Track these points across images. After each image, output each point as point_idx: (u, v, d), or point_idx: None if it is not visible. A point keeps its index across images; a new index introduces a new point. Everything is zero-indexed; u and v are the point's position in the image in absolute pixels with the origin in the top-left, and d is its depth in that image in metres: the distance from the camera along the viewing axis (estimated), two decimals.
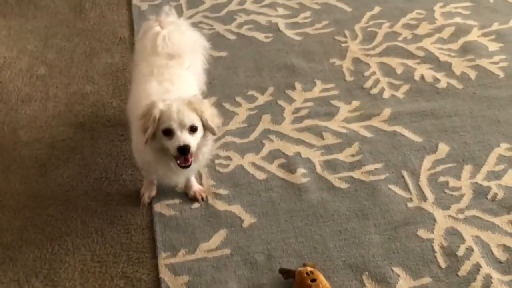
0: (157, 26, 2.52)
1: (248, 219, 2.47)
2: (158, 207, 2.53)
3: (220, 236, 2.41)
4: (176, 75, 2.36)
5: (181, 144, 2.09)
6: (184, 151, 2.10)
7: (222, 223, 2.46)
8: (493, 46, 3.25)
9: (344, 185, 2.59)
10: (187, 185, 2.54)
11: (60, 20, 3.54)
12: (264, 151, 2.76)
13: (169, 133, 2.11)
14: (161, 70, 2.35)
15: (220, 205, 2.53)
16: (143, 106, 2.17)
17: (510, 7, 3.51)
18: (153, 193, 2.55)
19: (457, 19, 3.44)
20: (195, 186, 2.55)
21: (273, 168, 2.68)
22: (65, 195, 2.60)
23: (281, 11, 3.54)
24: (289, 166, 2.68)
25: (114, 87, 3.09)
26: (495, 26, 3.38)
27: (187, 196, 2.56)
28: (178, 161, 2.16)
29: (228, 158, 2.72)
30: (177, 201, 2.55)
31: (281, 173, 2.65)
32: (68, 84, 3.13)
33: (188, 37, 2.57)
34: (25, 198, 2.60)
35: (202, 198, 2.54)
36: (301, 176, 2.63)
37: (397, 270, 2.26)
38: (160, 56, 2.42)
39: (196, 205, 2.53)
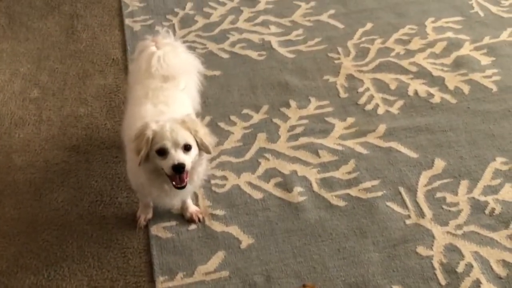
0: (152, 46, 2.51)
1: (246, 240, 2.45)
2: (154, 230, 2.50)
3: (218, 258, 2.39)
4: (171, 97, 2.35)
5: (176, 162, 2.08)
6: (179, 169, 2.08)
7: (220, 244, 2.44)
8: (485, 60, 3.27)
9: (341, 203, 2.58)
10: (183, 207, 2.52)
11: (52, 42, 3.53)
12: (260, 170, 2.74)
13: (163, 152, 2.10)
14: (156, 93, 2.34)
15: (217, 226, 2.51)
16: (137, 128, 2.16)
17: (501, 21, 3.53)
18: (149, 215, 2.53)
19: (449, 34, 3.46)
20: (192, 208, 2.53)
21: (269, 187, 2.66)
22: (60, 220, 2.57)
23: (273, 29, 3.55)
24: (286, 184, 2.67)
25: (107, 109, 3.07)
26: (487, 40, 3.40)
27: (184, 218, 2.54)
28: (174, 182, 2.14)
29: (224, 178, 2.71)
30: (173, 223, 2.53)
31: (277, 192, 2.64)
32: (61, 106, 3.11)
33: (183, 59, 2.57)
34: (19, 223, 2.57)
35: (199, 220, 2.52)
36: (298, 194, 2.62)
37: None
38: (155, 78, 2.41)
39: (193, 226, 2.51)
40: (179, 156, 2.09)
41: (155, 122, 2.12)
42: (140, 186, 2.32)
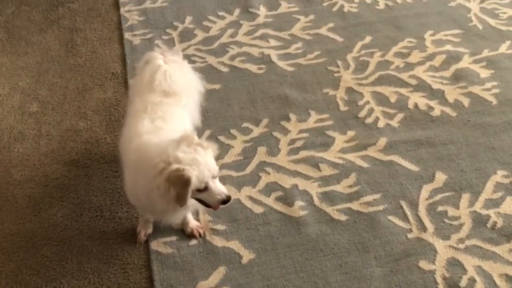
0: (160, 59, 2.49)
1: (247, 255, 2.44)
2: (154, 245, 2.49)
3: (219, 273, 2.37)
4: (169, 112, 2.33)
5: (225, 197, 2.10)
6: (228, 202, 2.11)
7: (221, 259, 2.42)
8: (484, 73, 3.28)
9: (343, 217, 2.57)
10: (184, 222, 2.51)
11: (51, 56, 3.53)
12: (261, 184, 2.73)
13: (204, 189, 2.08)
14: (155, 108, 2.32)
15: (218, 241, 2.49)
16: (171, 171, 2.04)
17: (499, 34, 3.55)
18: (149, 230, 2.51)
19: (448, 47, 3.47)
20: (192, 223, 2.52)
21: (270, 201, 2.65)
22: (60, 235, 2.55)
23: (273, 42, 3.55)
24: (287, 199, 2.66)
25: (107, 123, 3.06)
26: (486, 53, 3.41)
27: (184, 233, 2.52)
28: (213, 208, 2.17)
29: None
30: (174, 238, 2.51)
31: (278, 207, 2.63)
32: (60, 120, 3.10)
33: (188, 78, 2.55)
34: (18, 239, 2.55)
35: (200, 235, 2.51)
36: (299, 209, 2.61)
37: None
38: (155, 92, 2.39)
39: (193, 242, 2.49)
40: (221, 188, 2.10)
41: (188, 164, 2.00)
42: (140, 203, 2.30)
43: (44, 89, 3.31)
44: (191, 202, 2.16)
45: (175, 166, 1.99)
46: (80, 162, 2.87)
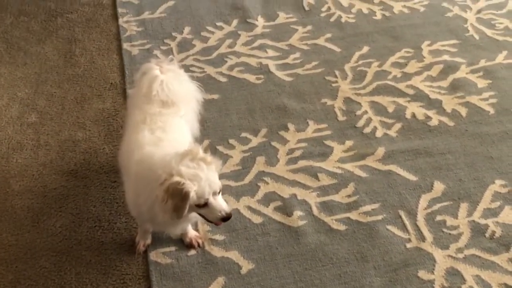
0: (157, 70, 2.50)
1: (246, 265, 2.43)
2: (153, 256, 2.48)
3: (218, 284, 2.37)
4: (168, 123, 2.33)
5: (225, 214, 2.08)
6: (228, 219, 2.10)
7: (220, 270, 2.42)
8: (481, 83, 3.29)
9: (342, 227, 2.57)
10: (183, 232, 2.50)
11: (50, 66, 3.54)
12: (260, 194, 2.74)
13: (204, 205, 2.07)
14: (154, 118, 2.32)
15: (217, 252, 2.49)
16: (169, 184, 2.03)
17: (496, 44, 3.57)
18: (148, 241, 2.51)
19: (445, 57, 3.49)
20: (191, 233, 2.52)
21: (269, 211, 2.65)
22: (58, 246, 2.55)
23: (271, 52, 3.57)
24: (285, 208, 2.66)
25: (106, 133, 3.07)
26: (483, 63, 3.43)
27: (183, 243, 2.52)
28: (214, 223, 2.16)
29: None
30: (173, 248, 2.51)
31: (277, 216, 2.63)
32: (59, 131, 3.10)
33: (185, 87, 2.56)
34: (17, 250, 2.54)
35: (199, 245, 2.51)
36: (298, 219, 2.61)
37: None
38: (153, 103, 2.39)
39: (192, 252, 2.49)
40: (222, 204, 2.08)
41: (189, 179, 2.00)
42: (141, 214, 2.30)
43: (42, 99, 3.31)
44: (192, 215, 2.16)
45: (176, 178, 1.99)
46: (79, 172, 2.87)
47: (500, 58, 3.47)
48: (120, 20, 3.85)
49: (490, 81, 3.30)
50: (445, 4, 3.90)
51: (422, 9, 3.88)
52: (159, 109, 2.38)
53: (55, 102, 3.29)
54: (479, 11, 3.84)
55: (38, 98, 3.32)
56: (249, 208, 2.67)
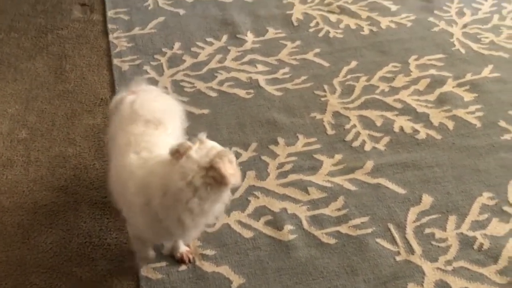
0: (129, 96, 2.47)
1: (236, 280, 2.44)
2: (144, 271, 2.48)
3: None
4: (152, 142, 2.27)
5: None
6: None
7: (211, 285, 2.43)
8: (468, 96, 3.34)
9: (332, 241, 2.59)
10: (174, 247, 2.51)
11: (40, 82, 3.55)
12: (250, 208, 2.75)
13: None
14: (138, 139, 2.26)
15: (208, 267, 2.50)
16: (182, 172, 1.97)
17: (482, 58, 3.63)
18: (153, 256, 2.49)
19: (432, 71, 3.54)
20: (182, 248, 2.52)
21: (259, 225, 2.67)
22: (49, 262, 2.54)
23: (260, 67, 3.60)
24: (276, 222, 2.68)
25: (96, 149, 3.08)
26: (469, 77, 3.48)
27: (174, 258, 2.52)
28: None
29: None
30: (163, 263, 2.51)
31: (268, 231, 2.64)
32: (49, 147, 3.11)
33: (162, 102, 2.53)
34: (7, 266, 2.53)
35: (189, 260, 2.51)
36: (288, 232, 2.62)
37: None
38: (137, 124, 2.33)
39: (183, 267, 2.49)
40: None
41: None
42: (157, 235, 2.23)
43: (33, 115, 3.32)
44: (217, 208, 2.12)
45: (203, 160, 1.96)
46: (69, 188, 2.88)
47: (486, 72, 3.52)
48: (110, 36, 3.88)
49: (477, 95, 3.35)
50: (431, 19, 3.97)
51: (409, 24, 3.94)
52: (143, 128, 2.31)
53: (46, 118, 3.30)
54: (464, 26, 3.91)
55: (28, 114, 3.33)
56: (240, 222, 2.68)
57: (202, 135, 2.08)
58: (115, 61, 3.66)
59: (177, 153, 2.00)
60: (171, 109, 2.55)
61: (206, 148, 2.03)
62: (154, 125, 2.34)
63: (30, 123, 3.26)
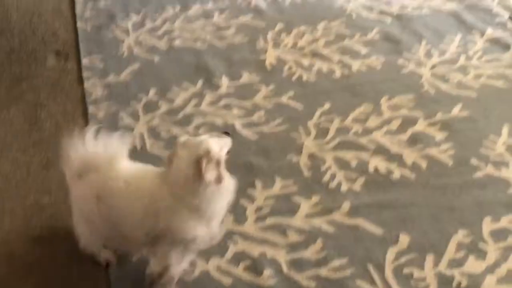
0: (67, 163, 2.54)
1: None
2: None
3: None
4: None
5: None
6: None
7: None
8: (439, 135, 3.42)
9: (312, 284, 2.58)
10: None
11: (15, 131, 3.53)
12: (229, 254, 2.74)
13: None
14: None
15: None
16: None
17: (450, 98, 3.72)
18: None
19: (403, 111, 3.62)
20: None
21: (239, 271, 2.65)
22: None
23: (236, 111, 3.64)
24: (256, 267, 2.67)
25: None
26: (439, 116, 3.57)
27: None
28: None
29: (192, 263, 2.68)
30: None
31: (247, 276, 2.63)
32: (24, 196, 3.07)
33: (102, 146, 2.50)
34: None
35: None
36: (268, 277, 2.61)
37: None
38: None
39: None
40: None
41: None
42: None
43: (7, 164, 3.28)
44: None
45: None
46: (45, 238, 2.83)
47: (456, 111, 3.61)
48: (86, 84, 3.89)
49: (447, 134, 3.43)
50: (400, 61, 4.08)
51: (379, 66, 4.04)
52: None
53: (20, 167, 3.26)
54: (433, 67, 4.03)
55: (2, 164, 3.29)
56: (219, 269, 2.67)
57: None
58: (91, 109, 3.67)
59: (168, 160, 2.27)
60: (113, 150, 2.50)
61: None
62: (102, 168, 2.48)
63: (4, 172, 3.23)
